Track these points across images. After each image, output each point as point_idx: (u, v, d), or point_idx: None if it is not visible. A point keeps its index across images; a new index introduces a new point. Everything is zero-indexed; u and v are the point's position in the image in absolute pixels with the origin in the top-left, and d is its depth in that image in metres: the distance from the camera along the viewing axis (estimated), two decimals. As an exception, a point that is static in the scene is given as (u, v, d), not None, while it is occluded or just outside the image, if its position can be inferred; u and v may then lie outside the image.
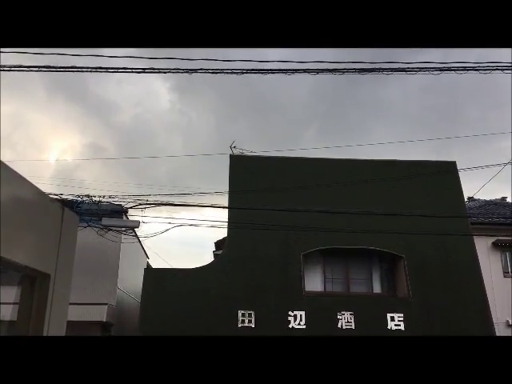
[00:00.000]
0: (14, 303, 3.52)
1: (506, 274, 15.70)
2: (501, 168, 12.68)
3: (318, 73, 6.33)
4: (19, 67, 5.83)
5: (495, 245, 15.84)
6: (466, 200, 14.92)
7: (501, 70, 5.99)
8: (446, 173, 13.40)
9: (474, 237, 13.02)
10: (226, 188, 12.91)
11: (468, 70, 6.08)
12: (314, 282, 12.64)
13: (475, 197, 19.45)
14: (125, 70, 5.88)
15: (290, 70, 6.26)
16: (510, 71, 6.02)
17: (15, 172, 3.05)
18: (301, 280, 11.90)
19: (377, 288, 12.91)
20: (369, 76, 6.68)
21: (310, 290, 12.23)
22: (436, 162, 13.83)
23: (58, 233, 3.70)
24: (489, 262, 15.29)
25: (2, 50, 5.36)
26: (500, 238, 15.71)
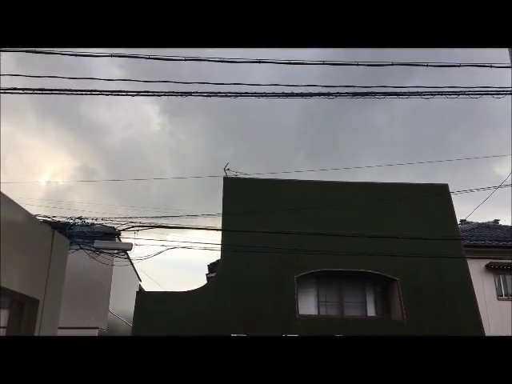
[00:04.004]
0: (1, 327, 3.45)
1: (499, 297, 15.65)
2: (492, 191, 12.77)
3: (311, 96, 6.40)
4: (13, 89, 5.86)
5: (488, 267, 15.83)
6: (458, 222, 14.96)
7: (491, 94, 6.09)
8: (439, 195, 13.47)
9: (468, 259, 13.02)
10: (218, 210, 12.90)
11: (459, 94, 6.18)
12: (307, 305, 12.55)
13: (467, 219, 19.52)
14: (119, 92, 5.91)
15: (283, 93, 6.32)
16: (499, 96, 6.12)
17: (4, 195, 3.01)
18: (294, 303, 11.80)
19: (371, 311, 12.83)
20: (357, 99, 6.79)
21: (303, 313, 12.12)
22: (428, 184, 13.92)
23: (48, 257, 3.65)
24: (482, 284, 15.25)
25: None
26: (493, 260, 15.71)
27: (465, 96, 6.12)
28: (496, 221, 20.56)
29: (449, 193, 13.65)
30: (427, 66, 5.91)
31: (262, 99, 6.42)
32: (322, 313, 12.55)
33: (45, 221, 8.04)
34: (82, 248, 10.14)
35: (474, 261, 14.52)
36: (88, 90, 5.88)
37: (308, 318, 11.97)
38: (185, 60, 6.02)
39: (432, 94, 6.22)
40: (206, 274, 15.92)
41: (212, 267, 15.17)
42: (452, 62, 6.22)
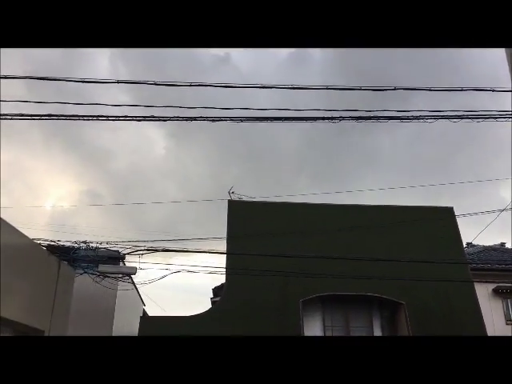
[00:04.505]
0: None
1: (508, 321, 15.41)
2: (497, 214, 12.70)
3: (314, 120, 6.45)
4: (20, 115, 5.94)
5: (496, 291, 15.64)
6: (464, 245, 14.85)
7: (494, 118, 6.12)
8: (444, 218, 13.41)
9: (475, 283, 12.88)
10: (222, 234, 12.87)
11: (462, 118, 6.21)
12: (313, 330, 12.39)
13: (473, 242, 19.38)
14: (125, 118, 5.99)
15: (286, 118, 6.38)
16: (502, 119, 6.15)
17: (11, 226, 3.02)
18: (300, 327, 11.66)
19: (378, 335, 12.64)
20: (360, 123, 6.84)
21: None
22: (433, 207, 13.88)
23: (54, 287, 3.65)
24: (490, 308, 15.04)
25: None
26: (500, 284, 15.53)
27: (468, 120, 6.16)
28: (502, 244, 20.41)
29: (454, 216, 13.59)
30: (430, 90, 5.96)
31: (266, 123, 6.47)
32: (328, 338, 12.37)
33: (49, 245, 8.05)
34: (86, 272, 10.11)
35: (481, 284, 14.36)
36: (94, 116, 5.96)
37: (314, 343, 11.79)
38: (190, 85, 6.11)
39: (435, 117, 6.26)
40: (211, 298, 15.80)
41: (216, 291, 15.06)
42: (455, 85, 6.26)
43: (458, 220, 13.55)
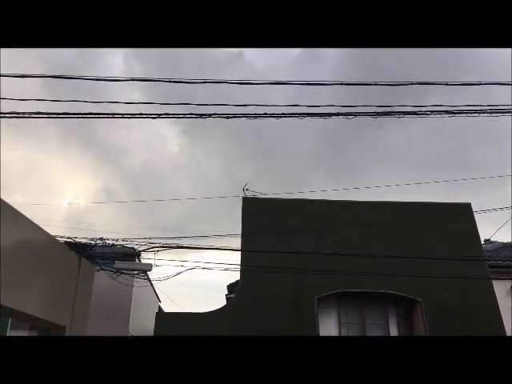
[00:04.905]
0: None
1: (527, 319, 15.16)
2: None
3: (330, 116, 6.40)
4: (37, 113, 6.01)
5: (515, 288, 15.40)
6: (482, 242, 14.64)
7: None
8: (461, 215, 13.25)
9: (493, 280, 12.70)
10: (237, 231, 12.89)
11: (479, 112, 6.11)
12: (328, 327, 12.36)
13: (491, 239, 19.11)
14: (140, 115, 6.01)
15: (301, 114, 6.34)
16: (521, 113, 6.03)
17: (32, 222, 3.05)
18: (315, 325, 11.63)
19: (394, 333, 12.55)
20: (375, 118, 6.74)
21: (324, 335, 11.92)
22: (450, 203, 13.72)
23: (75, 283, 3.68)
24: (508, 307, 14.82)
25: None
26: (519, 281, 15.28)
27: (486, 114, 6.05)
28: (521, 240, 20.07)
29: (472, 212, 13.41)
30: (447, 85, 5.88)
31: (280, 119, 6.44)
32: (344, 334, 12.33)
33: (66, 242, 8.14)
34: (102, 269, 10.21)
35: (499, 282, 14.15)
36: (110, 114, 5.99)
37: (329, 340, 11.75)
38: (204, 82, 6.11)
39: (453, 112, 6.16)
40: (226, 295, 15.87)
41: (231, 288, 15.12)
42: (471, 80, 6.17)
43: (476, 216, 13.38)
